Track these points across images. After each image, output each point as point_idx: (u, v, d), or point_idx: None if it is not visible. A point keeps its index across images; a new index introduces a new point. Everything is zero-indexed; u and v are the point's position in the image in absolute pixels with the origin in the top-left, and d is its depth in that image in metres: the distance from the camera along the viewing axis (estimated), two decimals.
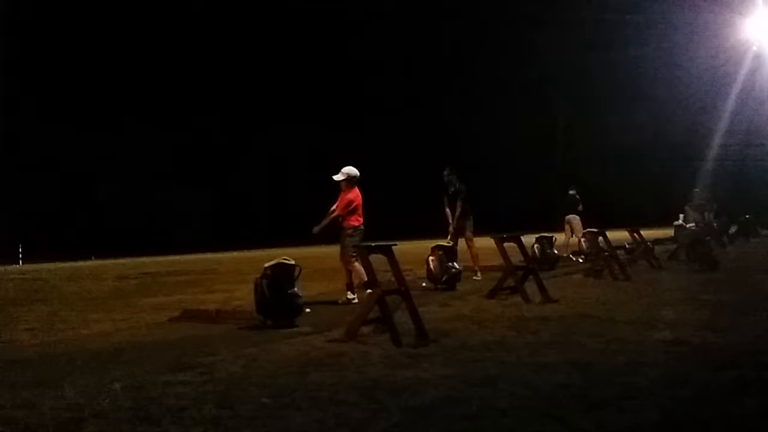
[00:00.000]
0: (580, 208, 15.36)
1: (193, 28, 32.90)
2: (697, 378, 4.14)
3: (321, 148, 31.92)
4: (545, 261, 12.48)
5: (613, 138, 37.57)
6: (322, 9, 33.71)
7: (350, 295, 8.41)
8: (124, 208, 30.77)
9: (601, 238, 11.83)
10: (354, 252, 7.96)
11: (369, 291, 6.21)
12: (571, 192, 15.50)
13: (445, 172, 11.09)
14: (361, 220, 8.56)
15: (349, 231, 8.44)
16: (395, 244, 6.09)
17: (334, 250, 8.96)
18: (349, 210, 8.46)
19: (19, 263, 25.83)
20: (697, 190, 18.29)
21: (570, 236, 15.31)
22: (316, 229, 8.47)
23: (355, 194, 8.54)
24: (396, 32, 36.77)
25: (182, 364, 4.75)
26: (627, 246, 13.70)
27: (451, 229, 10.94)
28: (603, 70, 36.37)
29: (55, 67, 30.20)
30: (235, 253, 24.74)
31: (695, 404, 3.62)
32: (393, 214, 23.75)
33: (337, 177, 8.55)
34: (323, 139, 33.98)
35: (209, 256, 24.20)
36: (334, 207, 8.56)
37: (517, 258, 8.78)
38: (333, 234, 8.69)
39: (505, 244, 8.57)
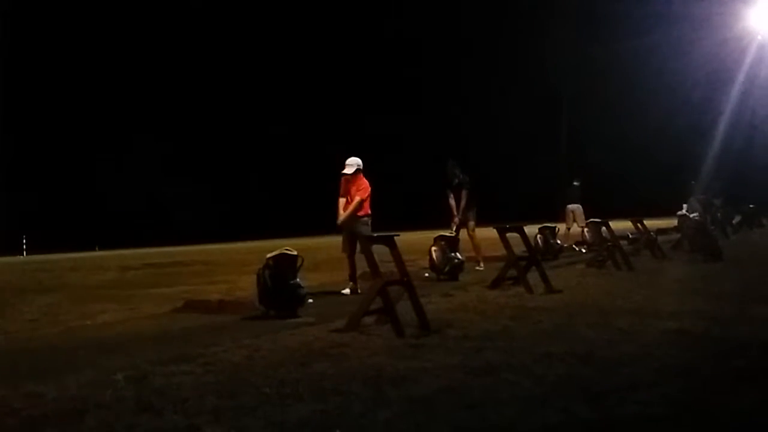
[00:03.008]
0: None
1: (199, 27, 33.04)
2: (701, 368, 4.12)
3: (325, 141, 31.99)
4: (548, 251, 12.46)
5: (617, 128, 37.45)
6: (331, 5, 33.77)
7: (353, 285, 8.41)
8: (128, 199, 30.86)
9: (604, 228, 11.81)
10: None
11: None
12: (576, 184, 15.48)
13: (449, 164, 11.08)
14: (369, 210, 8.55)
15: (364, 219, 8.43)
16: (397, 235, 6.08)
17: (337, 240, 8.92)
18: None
19: (23, 254, 25.94)
20: (693, 182, 18.17)
21: (570, 225, 15.29)
22: (340, 221, 8.38)
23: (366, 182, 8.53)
24: (402, 22, 36.73)
25: (185, 354, 4.76)
26: (630, 236, 13.68)
27: (456, 219, 10.93)
28: (608, 61, 36.25)
29: (63, 63, 30.39)
30: (237, 244, 24.77)
31: (699, 394, 3.61)
32: (396, 204, 23.75)
33: (348, 170, 8.41)
34: (326, 131, 34.03)
35: (212, 246, 24.24)
36: (352, 194, 8.39)
37: (519, 248, 8.76)
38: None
39: (508, 235, 8.54)
